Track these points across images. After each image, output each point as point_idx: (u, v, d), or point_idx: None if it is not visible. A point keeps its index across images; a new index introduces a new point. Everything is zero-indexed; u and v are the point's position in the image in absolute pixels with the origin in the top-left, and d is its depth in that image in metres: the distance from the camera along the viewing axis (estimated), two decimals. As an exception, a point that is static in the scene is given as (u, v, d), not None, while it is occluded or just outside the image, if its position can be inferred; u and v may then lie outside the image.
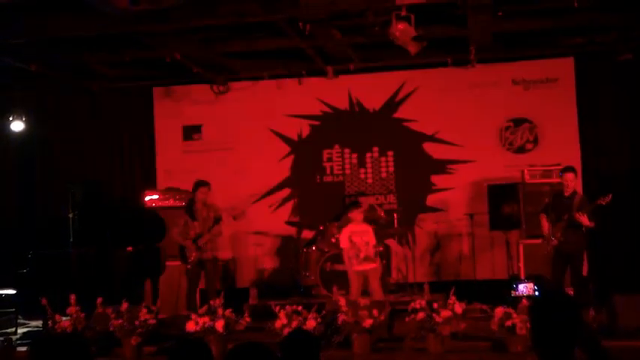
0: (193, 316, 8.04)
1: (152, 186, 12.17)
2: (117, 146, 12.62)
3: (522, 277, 9.86)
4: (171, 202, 11.15)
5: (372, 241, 9.12)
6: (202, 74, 11.63)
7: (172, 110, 12.44)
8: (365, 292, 9.19)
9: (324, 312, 8.08)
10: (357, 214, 9.17)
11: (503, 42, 10.74)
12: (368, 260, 9.05)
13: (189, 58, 10.85)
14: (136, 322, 8.06)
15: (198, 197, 9.58)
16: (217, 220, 9.53)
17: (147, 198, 11.26)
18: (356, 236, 9.08)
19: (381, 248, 9.76)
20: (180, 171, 12.18)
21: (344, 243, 9.18)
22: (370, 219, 10.06)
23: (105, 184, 12.27)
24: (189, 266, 9.49)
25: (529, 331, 3.14)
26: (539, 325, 3.31)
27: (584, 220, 8.57)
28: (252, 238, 12.07)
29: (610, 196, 8.47)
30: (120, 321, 8.08)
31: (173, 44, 10.12)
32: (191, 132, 12.47)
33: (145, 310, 8.22)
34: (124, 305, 8.19)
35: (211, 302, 8.20)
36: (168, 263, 10.14)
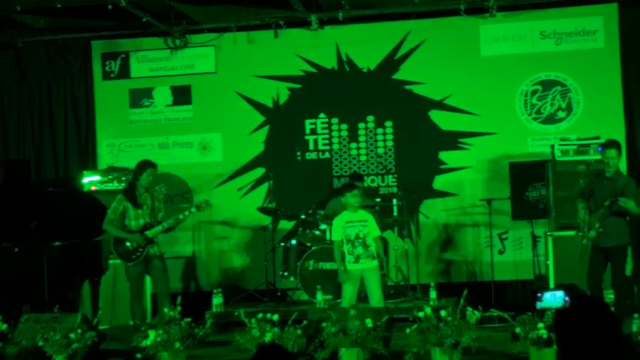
0: (143, 327, 8.04)
1: (91, 165, 12.13)
2: (47, 115, 12.56)
3: (550, 279, 9.92)
4: (115, 185, 11.12)
5: (374, 233, 9.11)
6: (153, 25, 11.56)
7: (116, 70, 12.39)
8: (361, 298, 9.21)
9: (305, 321, 8.09)
10: (352, 199, 9.13)
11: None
12: (365, 257, 9.04)
13: (137, 4, 10.78)
14: (72, 335, 8.03)
15: (143, 180, 9.55)
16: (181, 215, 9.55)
17: (85, 180, 11.21)
18: (351, 227, 9.08)
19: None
20: (127, 146, 12.14)
21: (336, 235, 9.18)
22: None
23: (31, 162, 12.22)
24: (131, 264, 9.46)
25: (557, 346, 3.16)
26: (569, 339, 3.33)
27: (631, 206, 8.60)
28: (217, 230, 12.08)
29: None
30: (51, 333, 8.06)
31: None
32: (140, 97, 12.44)
33: (82, 320, 8.20)
34: (56, 314, 8.17)
35: (165, 310, 8.20)
36: (111, 261, 10.13)
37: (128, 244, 9.45)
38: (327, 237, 10.53)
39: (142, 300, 9.58)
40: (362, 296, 9.24)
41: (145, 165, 9.61)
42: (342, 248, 9.02)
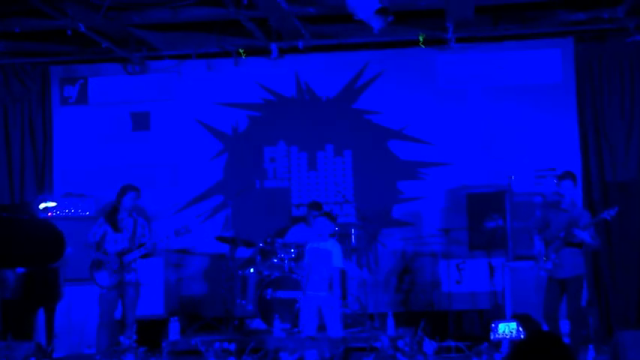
0: (98, 357, 7.97)
1: (48, 190, 12.03)
2: (3, 139, 12.42)
3: (507, 309, 9.98)
4: (72, 212, 11.05)
5: (338, 263, 9.10)
6: (113, 50, 11.53)
7: (75, 95, 12.33)
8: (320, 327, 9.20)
9: (262, 351, 8.07)
10: (319, 227, 9.15)
11: (487, 17, 10.86)
12: (323, 286, 9.04)
13: (96, 30, 10.75)
14: (25, 363, 7.96)
15: (126, 204, 9.53)
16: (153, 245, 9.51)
17: (41, 206, 11.12)
18: (314, 254, 9.08)
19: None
20: (84, 171, 12.08)
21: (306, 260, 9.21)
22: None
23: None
24: (105, 289, 9.38)
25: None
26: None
27: (586, 237, 8.69)
28: (174, 257, 12.01)
29: (616, 208, 8.61)
30: (3, 362, 7.98)
31: (75, 12, 10.02)
32: (98, 123, 12.36)
33: (36, 348, 8.11)
34: (10, 342, 8.08)
35: (121, 338, 8.14)
36: (67, 287, 10.03)
37: (104, 268, 9.37)
38: (286, 266, 10.53)
39: (111, 327, 9.44)
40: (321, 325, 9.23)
41: (127, 189, 9.60)
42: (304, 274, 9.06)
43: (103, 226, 9.51)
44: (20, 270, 9.65)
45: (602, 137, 11.49)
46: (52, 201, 11.23)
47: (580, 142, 11.50)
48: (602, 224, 8.86)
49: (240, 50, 11.84)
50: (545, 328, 8.84)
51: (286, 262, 10.54)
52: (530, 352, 3.40)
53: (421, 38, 11.36)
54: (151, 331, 9.94)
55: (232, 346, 7.95)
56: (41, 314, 9.91)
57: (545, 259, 8.88)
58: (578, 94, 11.57)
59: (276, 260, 10.76)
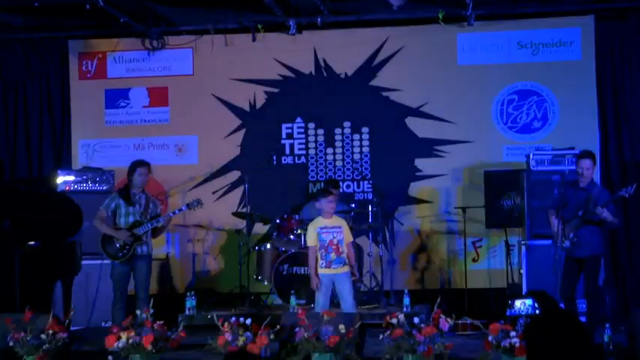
0: (115, 329, 7.98)
1: (66, 165, 12.07)
2: (21, 114, 12.47)
3: (523, 288, 9.96)
4: (89, 186, 11.09)
5: (347, 239, 9.12)
6: (131, 25, 11.53)
7: (93, 70, 12.34)
8: (333, 304, 9.21)
9: (278, 326, 8.08)
10: (327, 205, 9.15)
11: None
12: (337, 263, 9.06)
13: (115, 5, 10.74)
14: (43, 336, 7.98)
15: (135, 180, 9.53)
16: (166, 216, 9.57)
17: (59, 180, 11.17)
18: (326, 233, 9.09)
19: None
20: (102, 146, 12.10)
21: (310, 240, 9.19)
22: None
23: (4, 161, 12.15)
24: (118, 262, 9.41)
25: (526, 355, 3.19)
26: (538, 350, 3.35)
27: (606, 215, 8.64)
28: (191, 233, 12.04)
29: (634, 186, 8.55)
30: (22, 334, 8.00)
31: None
32: (116, 97, 12.40)
33: (53, 321, 8.14)
34: (27, 314, 8.11)
35: (137, 312, 8.15)
36: (84, 262, 10.07)
37: (115, 241, 9.40)
38: (303, 242, 10.55)
39: (124, 302, 9.47)
40: (335, 302, 9.24)
41: (135, 165, 9.60)
42: (317, 254, 9.04)
43: (115, 200, 9.53)
44: (37, 243, 9.68)
45: (621, 116, 11.43)
46: (70, 175, 11.25)
47: (599, 121, 11.44)
48: (621, 203, 8.80)
49: (259, 26, 11.81)
50: (561, 305, 8.82)
51: (302, 238, 10.54)
52: (546, 329, 3.39)
53: (440, 15, 11.32)
54: (167, 306, 9.96)
55: (248, 321, 7.96)
56: (59, 288, 9.95)
57: (563, 238, 8.84)
58: (598, 73, 11.51)
59: (292, 236, 10.77)
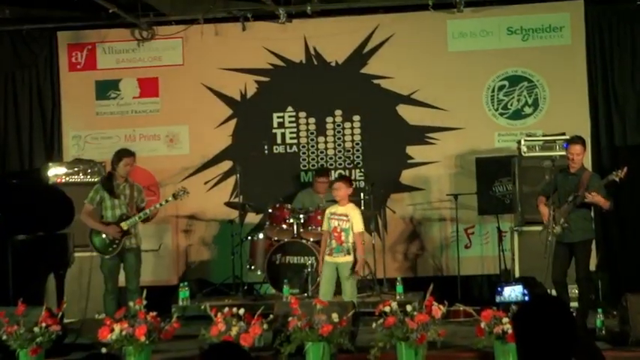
0: (108, 321, 8.01)
1: (57, 157, 12.06)
2: (11, 106, 12.46)
3: (514, 274, 10.00)
4: (81, 178, 11.09)
5: (355, 229, 9.14)
6: (120, 16, 11.51)
7: (82, 61, 12.33)
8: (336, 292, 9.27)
9: (271, 316, 8.11)
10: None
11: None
12: (339, 252, 9.11)
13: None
14: (36, 329, 8.00)
15: (120, 170, 9.51)
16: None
17: (50, 172, 11.16)
18: (333, 219, 9.15)
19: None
20: (93, 138, 12.10)
21: (324, 225, 9.30)
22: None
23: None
24: (107, 257, 9.42)
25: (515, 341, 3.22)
26: (526, 336, 3.38)
27: (598, 199, 8.65)
28: (183, 223, 12.06)
29: (625, 169, 8.57)
30: (15, 327, 8.02)
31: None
32: (107, 88, 12.38)
33: (46, 314, 8.16)
34: (20, 307, 8.13)
35: (130, 303, 8.18)
36: (76, 254, 10.08)
37: (104, 236, 9.40)
38: (295, 231, 10.59)
39: (116, 293, 9.49)
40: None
41: (121, 154, 9.56)
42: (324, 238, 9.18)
43: (99, 192, 9.50)
44: (30, 236, 9.68)
45: (611, 101, 11.47)
46: (61, 167, 11.25)
47: (589, 106, 11.47)
48: (612, 186, 8.82)
49: (248, 15, 11.80)
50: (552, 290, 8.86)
51: (295, 227, 10.57)
52: (534, 315, 3.42)
53: (430, 2, 11.32)
54: (160, 297, 9.99)
55: (241, 311, 7.99)
56: (51, 280, 9.95)
57: (554, 223, 8.87)
58: (588, 58, 11.52)
59: (284, 226, 10.79)
